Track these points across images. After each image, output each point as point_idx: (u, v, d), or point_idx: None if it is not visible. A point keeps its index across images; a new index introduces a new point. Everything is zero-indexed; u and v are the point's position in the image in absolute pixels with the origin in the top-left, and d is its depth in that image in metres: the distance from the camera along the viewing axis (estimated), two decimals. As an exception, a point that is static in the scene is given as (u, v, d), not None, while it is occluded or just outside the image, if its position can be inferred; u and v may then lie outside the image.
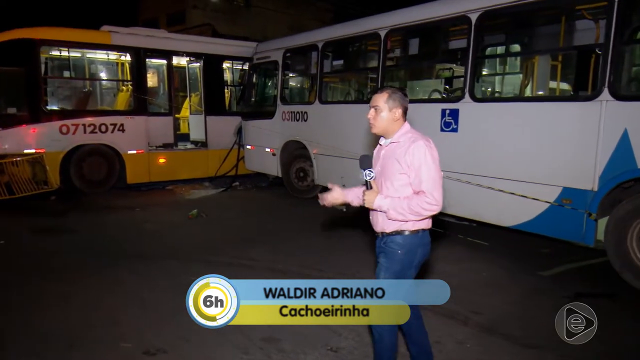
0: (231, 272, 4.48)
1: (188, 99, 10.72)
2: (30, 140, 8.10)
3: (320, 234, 6.14)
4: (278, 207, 8.01)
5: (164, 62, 9.72)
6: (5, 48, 7.84)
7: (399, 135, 2.51)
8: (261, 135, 9.42)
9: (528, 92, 6.11)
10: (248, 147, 9.87)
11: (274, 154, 9.18)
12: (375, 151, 2.67)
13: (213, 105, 9.99)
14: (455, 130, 5.79)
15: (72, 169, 8.52)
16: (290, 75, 9.03)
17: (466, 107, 5.65)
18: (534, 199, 4.98)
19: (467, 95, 5.62)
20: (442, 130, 5.93)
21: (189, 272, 4.51)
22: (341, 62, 8.21)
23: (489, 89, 6.59)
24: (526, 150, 5.09)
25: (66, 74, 8.93)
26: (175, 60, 9.96)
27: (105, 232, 6.15)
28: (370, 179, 2.51)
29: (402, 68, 7.58)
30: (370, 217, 2.65)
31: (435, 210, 2.39)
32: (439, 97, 6.38)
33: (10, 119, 7.99)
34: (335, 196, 2.72)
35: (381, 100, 2.50)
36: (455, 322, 3.69)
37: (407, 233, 2.49)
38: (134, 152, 9.07)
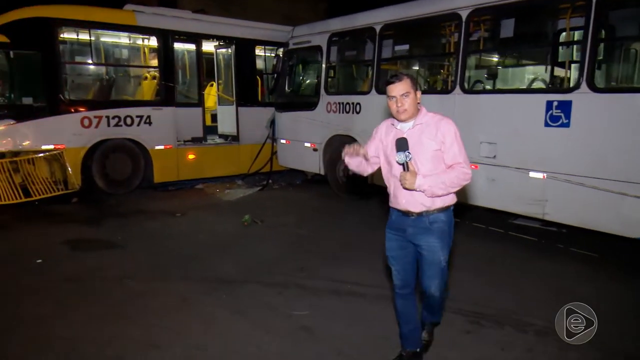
0: (347, 303, 3.68)
1: (216, 87, 9.73)
2: (49, 134, 7.08)
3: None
4: (332, 210, 7.14)
5: (193, 46, 8.72)
6: (18, 28, 6.78)
7: (421, 117, 2.66)
8: (299, 129, 8.53)
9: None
10: (282, 141, 8.97)
11: (315, 150, 8.30)
12: (389, 136, 2.72)
13: (245, 95, 9.03)
14: (565, 125, 5.00)
15: (94, 167, 7.53)
16: (338, 61, 8.12)
17: (582, 98, 4.85)
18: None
19: (584, 84, 4.82)
20: (547, 125, 5.14)
21: (287, 302, 3.69)
22: (404, 47, 7.33)
23: (615, 78, 5.76)
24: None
25: (87, 59, 7.87)
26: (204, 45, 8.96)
27: (156, 246, 5.20)
28: (409, 159, 2.54)
29: (489, 54, 6.72)
30: (402, 200, 2.68)
31: (469, 179, 2.59)
32: (543, 87, 5.57)
33: (25, 111, 6.95)
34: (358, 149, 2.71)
35: (408, 85, 2.60)
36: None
37: (449, 208, 2.70)
38: (162, 147, 8.10)
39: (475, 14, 5.78)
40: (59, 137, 7.13)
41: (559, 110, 5.04)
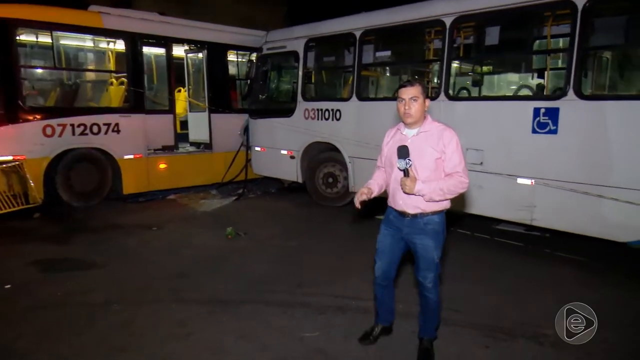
0: (355, 320, 3.51)
1: (186, 93, 9.33)
2: (7, 144, 6.50)
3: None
4: (316, 219, 6.95)
5: (163, 50, 8.31)
6: (-28, 29, 6.21)
7: (427, 124, 2.81)
8: (275, 136, 8.31)
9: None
10: (257, 148, 8.72)
11: (292, 157, 8.11)
12: (394, 141, 2.89)
13: (218, 101, 8.70)
14: (553, 132, 5.06)
15: (58, 179, 6.99)
16: (316, 67, 7.97)
17: (570, 105, 4.93)
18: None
19: (571, 91, 4.90)
20: (534, 131, 5.19)
21: (293, 322, 3.48)
22: (386, 53, 7.26)
23: (601, 85, 5.88)
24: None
25: (49, 63, 7.30)
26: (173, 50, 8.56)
27: (138, 264, 4.81)
28: (410, 166, 2.70)
29: (473, 61, 6.74)
30: (398, 201, 2.87)
31: (466, 188, 2.75)
32: (529, 94, 5.63)
33: (-20, 119, 6.36)
34: (364, 191, 2.93)
35: (417, 91, 2.76)
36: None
37: (443, 212, 2.86)
38: (131, 156, 7.65)
39: (459, 21, 5.80)
40: (18, 147, 6.56)
41: (547, 117, 5.10)
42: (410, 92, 2.74)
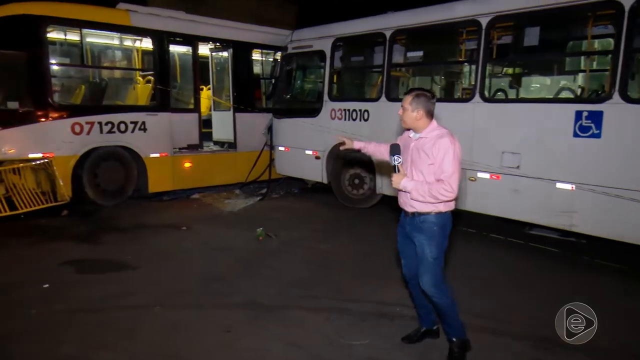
0: (402, 328, 3.43)
1: (210, 92, 9.29)
2: (36, 142, 6.49)
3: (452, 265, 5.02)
4: (344, 220, 6.86)
5: (189, 49, 8.27)
6: (4, 26, 6.20)
7: (426, 132, 2.92)
8: (300, 136, 8.22)
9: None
10: (281, 148, 8.63)
11: (317, 158, 8.02)
12: (403, 140, 3.08)
13: (243, 100, 8.64)
14: (596, 135, 4.92)
15: (85, 177, 6.97)
16: (343, 67, 7.87)
17: (615, 108, 4.78)
18: None
19: (616, 94, 4.75)
20: (576, 135, 5.05)
21: (339, 330, 3.40)
22: (417, 53, 7.14)
23: None
24: None
25: (78, 60, 7.28)
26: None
27: (172, 266, 4.75)
28: (398, 163, 2.92)
29: (510, 62, 6.57)
30: (400, 200, 3.06)
31: (450, 197, 2.79)
32: (571, 96, 5.49)
33: (11, 116, 6.34)
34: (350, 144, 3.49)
35: (406, 101, 2.94)
36: None
37: (441, 212, 2.90)
38: (157, 155, 7.61)
39: (496, 21, 5.66)
40: (47, 145, 6.55)
41: (589, 121, 4.96)
42: (403, 100, 2.96)
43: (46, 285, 4.11)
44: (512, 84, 6.03)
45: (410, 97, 2.92)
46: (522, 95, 5.99)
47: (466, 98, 6.12)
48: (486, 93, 5.89)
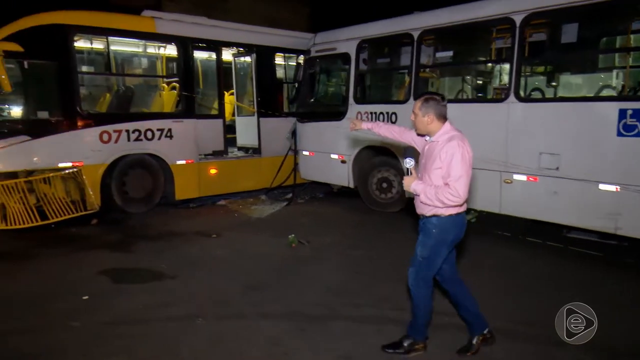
0: (457, 337, 3.29)
1: (233, 97, 9.25)
2: (66, 151, 6.49)
3: (490, 270, 4.92)
4: (374, 226, 6.73)
5: (213, 54, 8.24)
6: (33, 36, 6.20)
7: (438, 135, 2.94)
8: (324, 140, 8.13)
9: None
10: (305, 153, 8.55)
11: (343, 162, 7.92)
12: (421, 143, 3.15)
13: (267, 105, 8.58)
14: (643, 134, 4.74)
15: (113, 185, 6.97)
16: (369, 69, 7.77)
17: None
18: None
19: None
20: (619, 134, 4.87)
21: (391, 341, 3.27)
22: (447, 53, 7.02)
23: None
24: None
25: (105, 69, 7.30)
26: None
27: (208, 275, 4.67)
28: (410, 166, 2.95)
29: (547, 60, 6.39)
30: (415, 203, 3.07)
31: (456, 201, 2.80)
32: (614, 94, 5.31)
33: (41, 126, 6.36)
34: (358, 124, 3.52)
35: (416, 107, 2.98)
36: None
37: (441, 216, 2.91)
38: (183, 162, 7.58)
39: (531, 19, 5.51)
40: (76, 154, 6.55)
41: (635, 119, 4.78)
42: (414, 107, 3.01)
43: (86, 297, 4.06)
44: (548, 82, 5.86)
45: (420, 102, 2.95)
46: (560, 94, 5.81)
47: (500, 98, 5.96)
48: (521, 92, 5.73)
